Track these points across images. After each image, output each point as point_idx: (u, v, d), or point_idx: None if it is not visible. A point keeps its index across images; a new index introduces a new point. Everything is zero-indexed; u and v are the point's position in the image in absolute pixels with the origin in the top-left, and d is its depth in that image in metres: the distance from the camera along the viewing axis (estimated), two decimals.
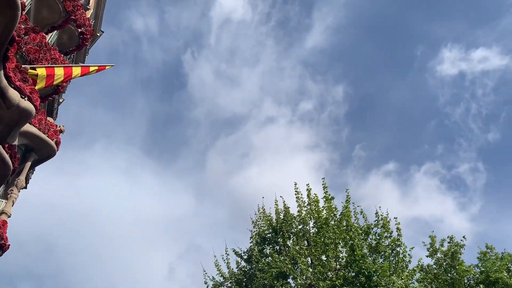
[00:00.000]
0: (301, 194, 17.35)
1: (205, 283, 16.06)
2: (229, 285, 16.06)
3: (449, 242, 18.61)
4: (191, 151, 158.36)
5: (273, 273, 14.87)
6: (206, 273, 16.18)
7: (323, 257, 15.58)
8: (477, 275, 17.76)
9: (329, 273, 15.11)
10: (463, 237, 18.53)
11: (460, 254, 18.00)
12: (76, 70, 12.77)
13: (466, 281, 17.79)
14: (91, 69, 13.53)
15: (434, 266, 18.48)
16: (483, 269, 17.88)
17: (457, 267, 17.52)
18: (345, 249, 15.65)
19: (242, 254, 16.95)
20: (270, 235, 17.05)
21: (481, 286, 17.17)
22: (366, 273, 14.09)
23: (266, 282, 15.23)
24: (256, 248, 16.80)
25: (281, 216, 17.04)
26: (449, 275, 17.81)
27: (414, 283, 15.12)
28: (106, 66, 14.24)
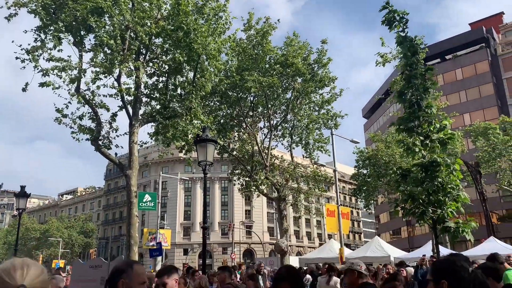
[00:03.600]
0: None
1: None
2: (34, 7, 14.21)
3: (264, 22, 19.96)
4: None
5: (88, 6, 13.66)
6: None
7: (146, 4, 14.92)
8: (278, 56, 20.08)
9: (148, 21, 14.76)
10: (278, 20, 20.10)
11: (270, 35, 19.72)
12: None
13: (267, 59, 20.04)
14: None
15: (245, 41, 19.97)
16: (285, 52, 20.20)
17: (264, 45, 19.31)
18: (170, 1, 15.21)
19: None
20: None
21: (278, 65, 19.67)
22: (185, 28, 14.33)
23: (78, 14, 14.00)
24: None
25: None
26: (255, 51, 19.65)
27: (226, 49, 16.21)
28: None
